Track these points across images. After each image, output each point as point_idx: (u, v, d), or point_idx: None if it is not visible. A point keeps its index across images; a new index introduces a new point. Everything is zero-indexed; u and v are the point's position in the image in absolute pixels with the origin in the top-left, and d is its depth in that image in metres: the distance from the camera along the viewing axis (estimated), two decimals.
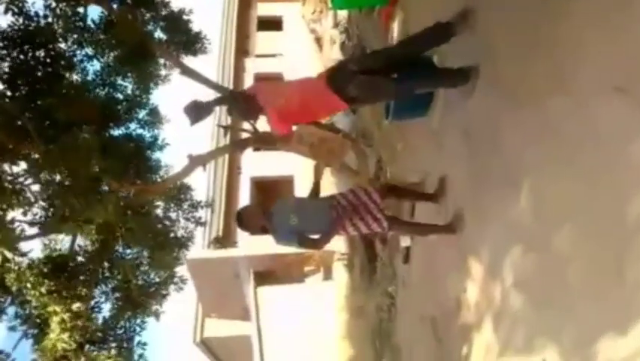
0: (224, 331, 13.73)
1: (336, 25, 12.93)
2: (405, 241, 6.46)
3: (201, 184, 13.62)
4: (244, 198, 13.99)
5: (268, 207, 4.41)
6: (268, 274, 12.17)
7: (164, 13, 8.06)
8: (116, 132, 7.59)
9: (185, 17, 7.98)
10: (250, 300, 12.03)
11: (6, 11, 6.70)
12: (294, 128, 4.53)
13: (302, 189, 13.10)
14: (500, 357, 3.84)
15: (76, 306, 6.18)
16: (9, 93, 6.42)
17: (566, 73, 2.96)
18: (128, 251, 7.53)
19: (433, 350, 5.33)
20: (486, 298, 4.12)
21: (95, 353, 6.51)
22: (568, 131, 2.93)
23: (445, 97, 5.01)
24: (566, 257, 2.94)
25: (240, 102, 4.15)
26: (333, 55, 12.87)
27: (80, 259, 7.12)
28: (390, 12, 7.88)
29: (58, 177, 5.84)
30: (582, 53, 2.80)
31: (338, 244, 11.22)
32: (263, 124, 5.73)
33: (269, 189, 14.12)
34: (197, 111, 4.02)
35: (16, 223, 5.62)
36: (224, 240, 12.88)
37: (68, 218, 5.66)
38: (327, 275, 12.70)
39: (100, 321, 7.02)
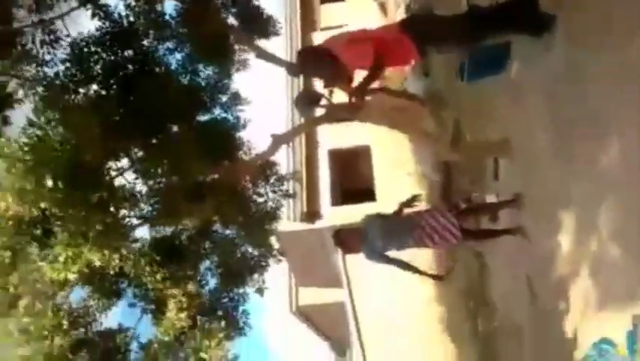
0: (318, 299, 14.21)
1: None
2: (490, 200, 6.43)
3: (282, 160, 14.03)
4: (324, 171, 14.24)
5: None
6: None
7: None
8: (202, 118, 8.04)
9: (254, 3, 8.22)
10: (339, 268, 12.36)
11: (93, 16, 7.22)
12: (368, 98, 4.66)
13: (379, 157, 13.18)
14: (600, 309, 3.84)
15: (189, 287, 6.79)
16: (103, 93, 6.96)
17: None
18: (227, 231, 8.05)
19: (530, 307, 5.36)
20: (581, 251, 4.11)
21: (207, 324, 7.12)
22: None
23: (522, 52, 4.90)
24: None
25: (325, 62, 4.09)
26: (399, 18, 12.67)
27: (182, 237, 7.71)
28: None
29: (160, 174, 6.31)
30: None
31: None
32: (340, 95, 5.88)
33: (346, 160, 14.27)
34: (309, 101, 4.27)
35: (127, 220, 6.21)
36: (309, 212, 13.24)
37: (172, 212, 6.18)
38: None
39: (207, 295, 7.64)
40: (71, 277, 5.73)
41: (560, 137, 4.29)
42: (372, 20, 16.06)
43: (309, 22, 18.86)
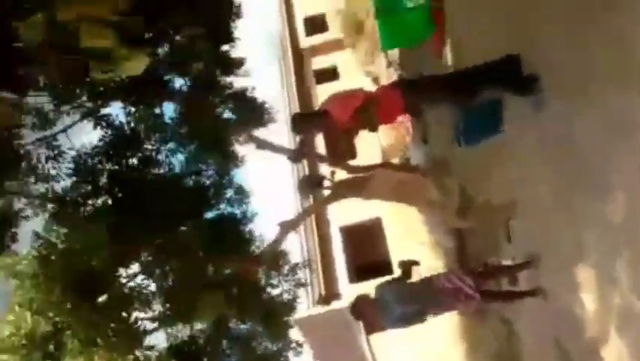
0: None
1: (389, 64, 13.15)
2: (507, 262, 6.29)
3: (295, 246, 13.97)
4: (337, 249, 14.13)
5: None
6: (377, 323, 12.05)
7: (228, 93, 8.61)
8: (209, 215, 8.08)
9: (249, 95, 8.49)
10: (365, 348, 11.96)
11: (95, 126, 7.42)
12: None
13: (391, 229, 13.09)
14: None
15: None
16: (110, 202, 7.05)
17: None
18: (243, 327, 7.87)
19: None
20: (606, 307, 3.97)
21: None
22: None
23: (515, 113, 4.97)
24: None
25: (315, 115, 4.40)
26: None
27: (200, 341, 7.51)
28: (439, 40, 7.97)
29: (169, 273, 6.30)
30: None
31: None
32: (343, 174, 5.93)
33: (359, 235, 14.19)
34: (311, 184, 4.40)
35: (139, 322, 6.11)
36: (327, 295, 13.01)
37: (184, 309, 6.09)
38: None
39: None
40: None
41: (565, 193, 4.26)
42: None
43: (307, 104, 19.39)
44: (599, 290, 4.04)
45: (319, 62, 20.25)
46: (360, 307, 4.88)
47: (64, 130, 7.45)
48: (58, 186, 7.10)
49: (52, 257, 5.43)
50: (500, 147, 5.55)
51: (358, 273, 13.55)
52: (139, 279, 6.32)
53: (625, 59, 2.99)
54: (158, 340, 7.36)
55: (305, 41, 20.53)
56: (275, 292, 8.23)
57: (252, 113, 8.54)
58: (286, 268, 8.40)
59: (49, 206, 6.89)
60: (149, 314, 6.68)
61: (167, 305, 6.61)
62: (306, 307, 11.98)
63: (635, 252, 3.40)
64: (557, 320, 4.99)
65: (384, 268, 12.68)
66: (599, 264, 3.93)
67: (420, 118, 9.35)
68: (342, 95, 4.31)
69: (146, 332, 6.37)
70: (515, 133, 5.11)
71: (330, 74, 20.36)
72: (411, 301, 4.69)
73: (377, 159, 11.57)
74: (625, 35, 2.98)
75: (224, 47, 8.56)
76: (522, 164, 5.14)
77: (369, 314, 4.88)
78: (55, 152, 7.21)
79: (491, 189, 6.55)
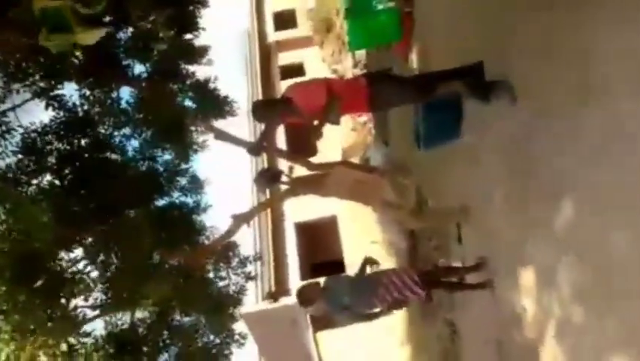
0: None
1: (356, 64, 13.19)
2: (457, 264, 6.40)
3: (247, 239, 13.87)
4: (291, 245, 14.11)
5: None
6: (324, 317, 12.09)
7: (190, 82, 8.46)
8: (160, 202, 7.90)
9: (211, 85, 8.35)
10: (311, 346, 11.97)
11: (47, 107, 7.17)
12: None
13: (346, 227, 13.15)
14: None
15: None
16: (57, 183, 6.82)
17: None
18: (186, 318, 7.73)
19: None
20: (546, 314, 4.06)
21: None
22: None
23: (476, 118, 5.04)
24: (622, 262, 2.91)
25: (276, 102, 4.34)
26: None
27: (140, 330, 7.34)
28: (406, 44, 8.05)
29: (113, 259, 6.14)
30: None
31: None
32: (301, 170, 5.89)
33: (313, 232, 14.21)
34: (269, 178, 4.38)
35: (79, 309, 5.91)
36: (277, 289, 12.97)
37: (126, 298, 5.92)
38: None
39: None
40: None
41: (516, 199, 4.34)
42: None
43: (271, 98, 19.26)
44: (542, 296, 4.13)
45: (286, 58, 20.21)
46: (308, 293, 4.86)
47: (13, 108, 7.19)
48: (2, 163, 6.82)
49: None
50: (458, 152, 5.64)
51: (311, 270, 13.57)
52: (81, 264, 6.11)
53: (587, 73, 3.06)
54: (96, 327, 7.15)
55: (273, 36, 20.44)
56: (222, 284, 8.12)
57: (213, 103, 8.39)
58: (236, 260, 8.30)
59: None
60: (90, 302, 6.48)
61: (109, 293, 6.42)
62: (254, 300, 11.90)
63: (577, 260, 3.48)
64: (500, 323, 5.10)
65: (337, 266, 12.72)
66: (544, 270, 4.02)
67: (381, 112, 9.42)
68: (305, 83, 4.26)
69: (85, 320, 6.17)
70: (474, 139, 5.19)
71: (296, 71, 20.35)
72: (358, 293, 4.77)
73: (336, 158, 11.59)
74: (589, 49, 3.05)
75: (188, 36, 8.41)
76: (477, 169, 5.22)
77: (316, 301, 4.82)
78: (3, 128, 6.97)
79: (446, 191, 6.65)
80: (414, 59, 8.00)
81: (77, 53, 7.25)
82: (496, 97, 4.22)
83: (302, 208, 13.74)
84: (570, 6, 3.28)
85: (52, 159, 6.86)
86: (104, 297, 6.57)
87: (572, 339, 3.70)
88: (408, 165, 8.97)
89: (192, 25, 8.31)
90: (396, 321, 11.57)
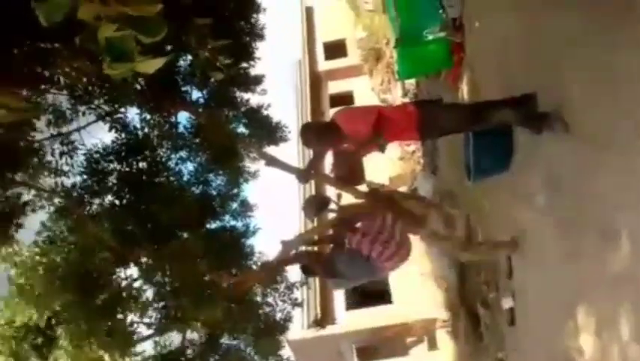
0: None
1: (405, 93, 13.25)
2: (507, 303, 6.25)
3: (294, 266, 13.80)
4: None
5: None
6: (371, 349, 11.96)
7: (244, 110, 8.71)
8: (212, 225, 8.09)
9: (264, 112, 8.57)
10: None
11: (110, 129, 7.53)
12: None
13: None
14: None
15: None
16: (117, 202, 7.10)
17: None
18: (234, 342, 7.81)
19: None
20: (603, 355, 3.91)
21: None
22: None
23: (527, 149, 4.98)
24: None
25: (325, 128, 4.38)
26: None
27: (188, 352, 7.46)
28: (456, 74, 8.06)
29: (167, 279, 6.30)
30: None
31: (438, 310, 10.92)
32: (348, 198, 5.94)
33: None
34: (317, 205, 4.44)
35: (134, 325, 6.09)
36: (323, 318, 12.91)
37: (180, 318, 6.06)
38: (432, 345, 12.27)
39: None
40: None
41: (564, 234, 4.24)
42: None
43: None
44: (598, 336, 3.99)
45: (336, 87, 20.47)
46: (310, 263, 5.06)
47: (79, 129, 7.58)
48: (68, 182, 7.18)
49: (54, 251, 5.45)
50: (509, 183, 5.56)
51: (357, 299, 13.46)
52: (137, 283, 6.33)
53: None
54: (146, 348, 7.30)
55: (323, 65, 20.77)
56: (269, 309, 8.16)
57: (266, 130, 8.60)
58: (283, 286, 8.36)
59: (56, 200, 6.95)
60: (145, 320, 6.67)
61: (164, 312, 6.58)
62: (299, 327, 11.89)
63: (635, 300, 3.36)
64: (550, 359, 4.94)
65: (383, 296, 12.58)
66: (600, 309, 3.89)
67: (429, 140, 9.37)
68: (355, 109, 4.32)
69: (138, 337, 6.35)
70: (525, 171, 5.12)
71: (345, 99, 20.56)
72: (359, 269, 4.79)
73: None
74: None
75: (244, 65, 8.68)
76: (529, 202, 5.12)
77: (318, 271, 5.02)
78: (69, 147, 7.32)
79: (495, 224, 6.54)
80: (464, 89, 7.99)
81: (139, 79, 7.61)
82: (548, 127, 4.16)
83: None
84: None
85: (112, 179, 7.16)
86: (158, 316, 6.73)
87: None
88: (456, 195, 8.88)
89: (248, 55, 8.57)
90: (446, 356, 11.32)
